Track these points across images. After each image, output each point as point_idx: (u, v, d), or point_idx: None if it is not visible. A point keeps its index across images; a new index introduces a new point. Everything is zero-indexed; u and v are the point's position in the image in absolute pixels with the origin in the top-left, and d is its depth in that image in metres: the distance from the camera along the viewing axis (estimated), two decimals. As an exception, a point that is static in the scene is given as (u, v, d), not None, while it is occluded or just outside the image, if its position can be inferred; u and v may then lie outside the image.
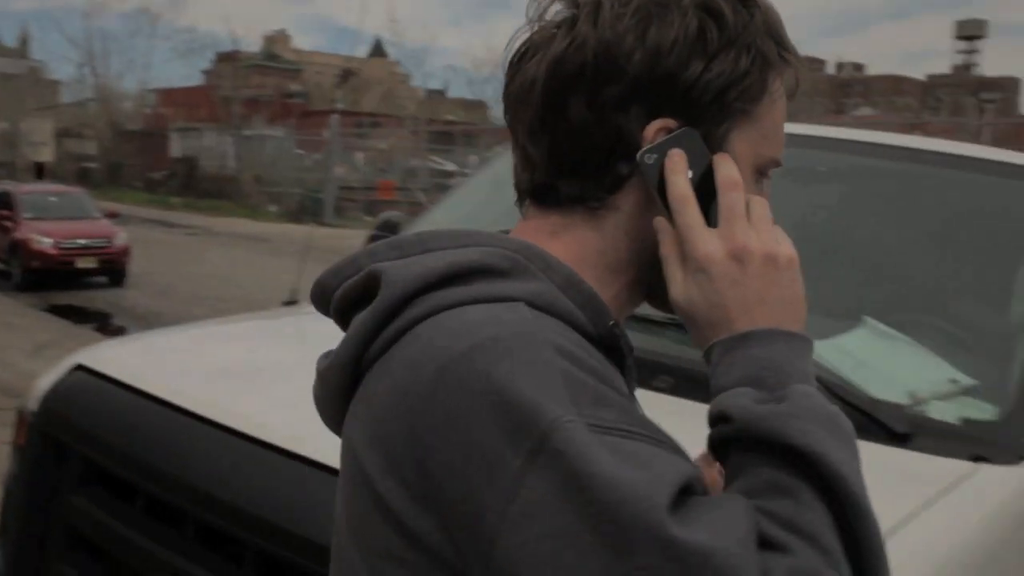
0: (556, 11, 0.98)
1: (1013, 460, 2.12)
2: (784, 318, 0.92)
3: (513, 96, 1.00)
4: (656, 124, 0.94)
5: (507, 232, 1.01)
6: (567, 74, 0.95)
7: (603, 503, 0.75)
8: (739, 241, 0.92)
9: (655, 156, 0.94)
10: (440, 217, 3.60)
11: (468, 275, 0.90)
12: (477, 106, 56.42)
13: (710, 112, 0.95)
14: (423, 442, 0.82)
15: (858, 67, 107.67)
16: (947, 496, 1.95)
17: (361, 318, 0.91)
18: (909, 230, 2.82)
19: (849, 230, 2.85)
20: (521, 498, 0.77)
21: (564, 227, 0.98)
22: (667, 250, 0.95)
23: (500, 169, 3.60)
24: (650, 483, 0.76)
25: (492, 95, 49.00)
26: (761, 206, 0.95)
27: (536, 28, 0.99)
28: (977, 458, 2.10)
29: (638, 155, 0.94)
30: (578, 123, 0.95)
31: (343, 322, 0.97)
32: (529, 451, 0.78)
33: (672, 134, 0.95)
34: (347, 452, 0.92)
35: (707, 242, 0.92)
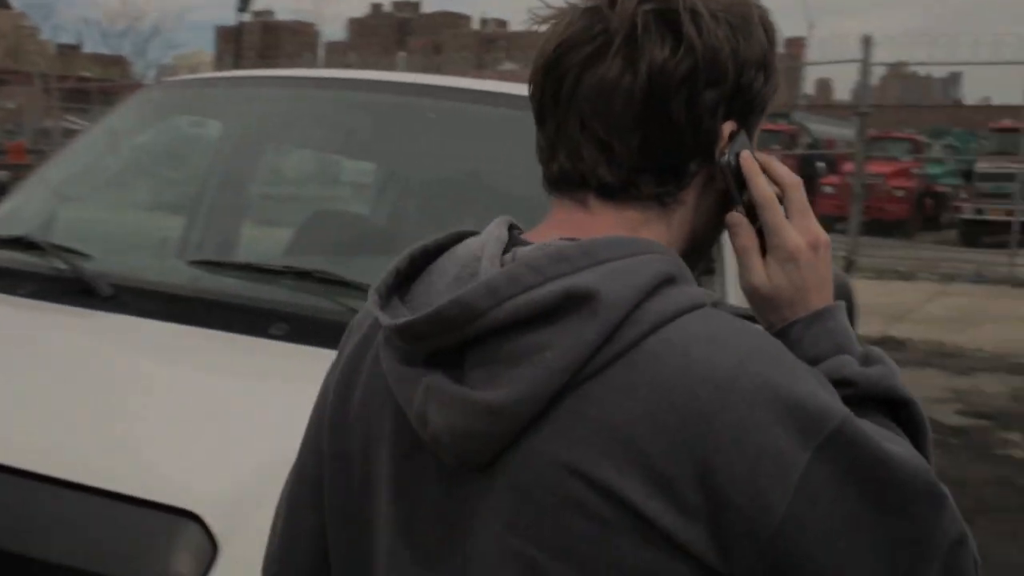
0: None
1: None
2: (830, 293, 1.08)
3: (586, 93, 1.01)
4: (727, 126, 1.05)
5: (513, 226, 1.07)
6: (677, 77, 1.00)
7: (897, 480, 0.90)
8: (813, 233, 1.07)
9: (727, 157, 1.05)
10: (53, 175, 3.41)
11: (663, 285, 0.93)
12: (114, 62, 53.07)
13: (756, 117, 1.09)
14: (704, 459, 0.86)
15: (501, 23, 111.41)
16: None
17: (572, 339, 0.89)
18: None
19: (451, 172, 3.00)
20: (808, 489, 0.87)
21: (644, 222, 1.03)
22: (747, 242, 1.07)
23: (116, 124, 3.47)
24: (912, 454, 0.94)
25: (130, 49, 46.21)
26: (803, 197, 1.10)
27: (581, 18, 1.03)
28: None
29: (720, 157, 1.05)
30: (677, 123, 1.01)
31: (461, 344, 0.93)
32: (817, 447, 0.87)
33: (737, 136, 1.06)
34: (536, 479, 0.90)
35: (795, 236, 1.06)
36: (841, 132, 29.56)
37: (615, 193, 1.03)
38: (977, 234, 21.77)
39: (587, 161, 1.02)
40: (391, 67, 18.81)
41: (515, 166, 3.05)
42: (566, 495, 0.89)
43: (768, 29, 1.06)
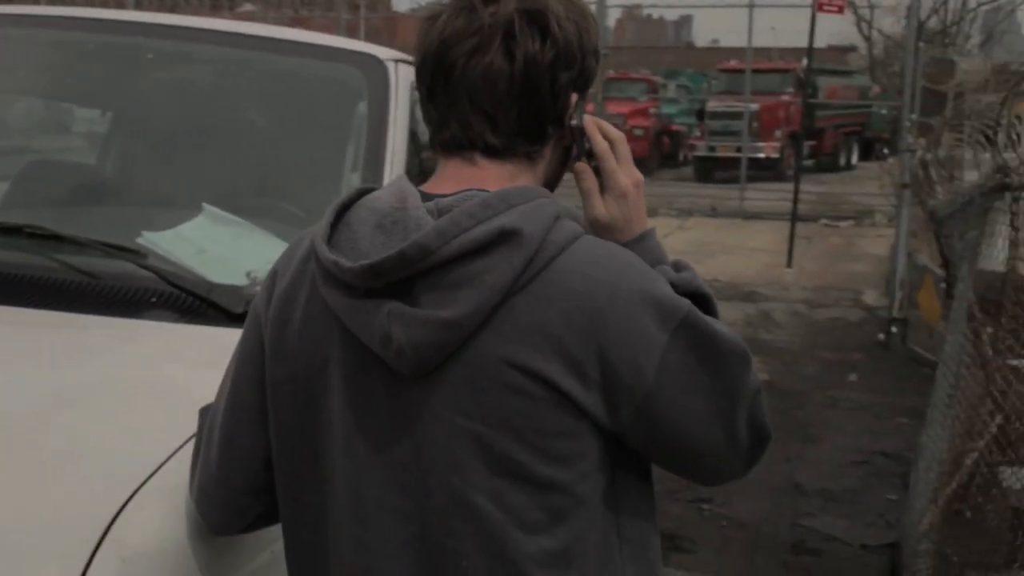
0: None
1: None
2: (645, 220, 1.39)
3: (474, 77, 1.29)
4: (573, 98, 1.36)
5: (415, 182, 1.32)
6: (545, 64, 1.30)
7: (721, 348, 1.23)
8: (636, 176, 1.39)
9: (575, 120, 1.38)
10: None
11: (556, 221, 1.23)
12: None
13: (588, 89, 1.38)
14: (603, 344, 1.19)
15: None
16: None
17: (503, 264, 1.17)
18: (240, 116, 2.86)
19: (183, 117, 2.81)
20: (666, 360, 1.21)
21: (517, 173, 1.34)
22: (591, 184, 1.38)
23: None
24: (727, 329, 1.27)
25: None
26: (627, 148, 1.40)
27: (458, 17, 1.30)
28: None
29: (569, 121, 1.38)
30: (543, 98, 1.32)
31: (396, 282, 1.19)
32: (672, 330, 1.21)
33: (579, 104, 1.38)
34: (483, 375, 1.18)
35: (624, 178, 1.37)
36: (582, 73, 30.40)
37: (498, 152, 1.33)
38: (710, 170, 23.04)
39: (475, 129, 1.31)
40: (120, 7, 17.62)
41: (244, 110, 2.93)
42: (505, 382, 1.19)
43: (595, 23, 1.39)
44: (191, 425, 1.69)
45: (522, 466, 1.19)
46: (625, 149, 1.39)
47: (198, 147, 2.77)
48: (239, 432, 1.37)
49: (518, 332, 1.18)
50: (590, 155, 1.39)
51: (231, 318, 2.18)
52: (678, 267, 1.37)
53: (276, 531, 1.47)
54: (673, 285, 1.29)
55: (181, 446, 1.65)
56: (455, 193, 1.27)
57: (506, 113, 1.30)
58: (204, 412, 1.51)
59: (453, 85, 1.30)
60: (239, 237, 2.47)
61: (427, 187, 1.33)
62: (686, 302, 1.24)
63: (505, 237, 1.18)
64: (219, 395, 1.43)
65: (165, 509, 1.54)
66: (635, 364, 1.20)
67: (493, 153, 1.32)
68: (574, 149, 1.40)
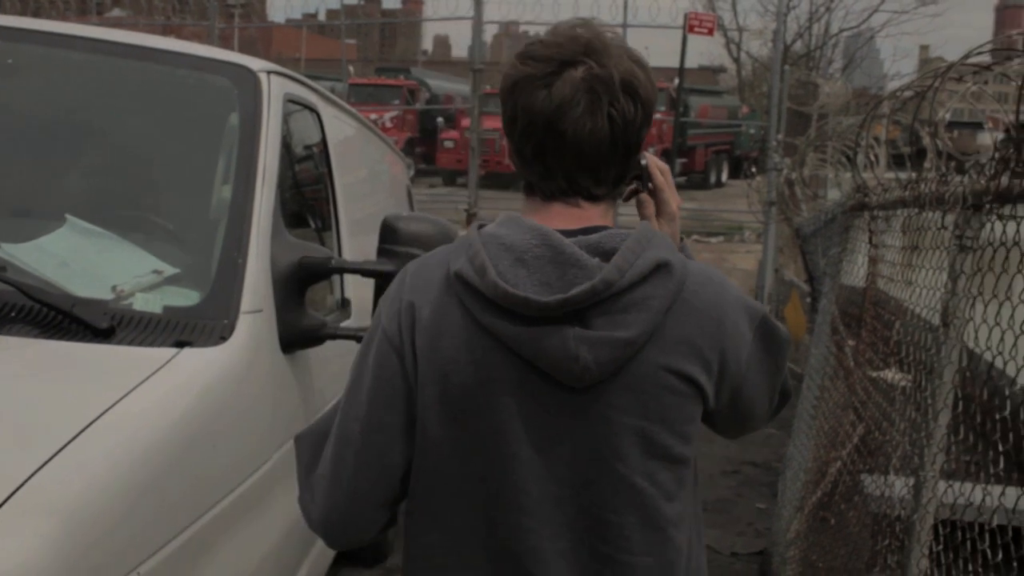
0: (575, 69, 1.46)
1: (215, 341, 2.22)
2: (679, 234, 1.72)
3: (582, 140, 1.47)
4: None
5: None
6: (636, 125, 1.50)
7: (778, 340, 1.58)
8: (678, 200, 1.71)
9: (644, 161, 1.65)
10: None
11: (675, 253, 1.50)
12: None
13: None
14: (723, 346, 1.48)
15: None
16: (149, 383, 1.98)
17: (661, 290, 1.43)
18: (108, 125, 2.78)
19: (46, 126, 2.72)
20: (750, 351, 1.52)
21: (608, 208, 1.56)
22: (651, 211, 1.68)
23: None
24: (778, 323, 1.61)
25: None
26: (671, 178, 1.70)
27: (558, 52, 1.47)
28: (180, 343, 2.17)
29: (640, 163, 1.64)
30: (633, 153, 1.54)
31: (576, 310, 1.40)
32: (755, 329, 1.53)
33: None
34: (644, 379, 1.44)
35: (674, 204, 1.68)
36: (458, 88, 30.52)
37: (599, 198, 1.53)
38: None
39: (582, 183, 1.51)
40: (-24, 9, 16.89)
41: (110, 119, 2.84)
42: (663, 384, 1.44)
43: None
44: (49, 448, 1.64)
45: (669, 449, 1.47)
46: (670, 179, 1.70)
47: (62, 157, 2.67)
48: (382, 451, 1.49)
49: (671, 343, 1.45)
50: (651, 189, 1.69)
51: (96, 334, 2.11)
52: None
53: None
54: None
55: (36, 471, 1.59)
56: (582, 230, 1.48)
57: (607, 169, 1.51)
58: (302, 439, 1.60)
59: (564, 146, 1.48)
60: (105, 250, 2.40)
61: (552, 222, 1.49)
62: (761, 306, 1.58)
63: (660, 268, 1.44)
64: (343, 420, 1.51)
65: None
66: (738, 358, 1.51)
67: (594, 199, 1.54)
68: (635, 183, 1.68)
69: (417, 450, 1.48)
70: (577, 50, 1.46)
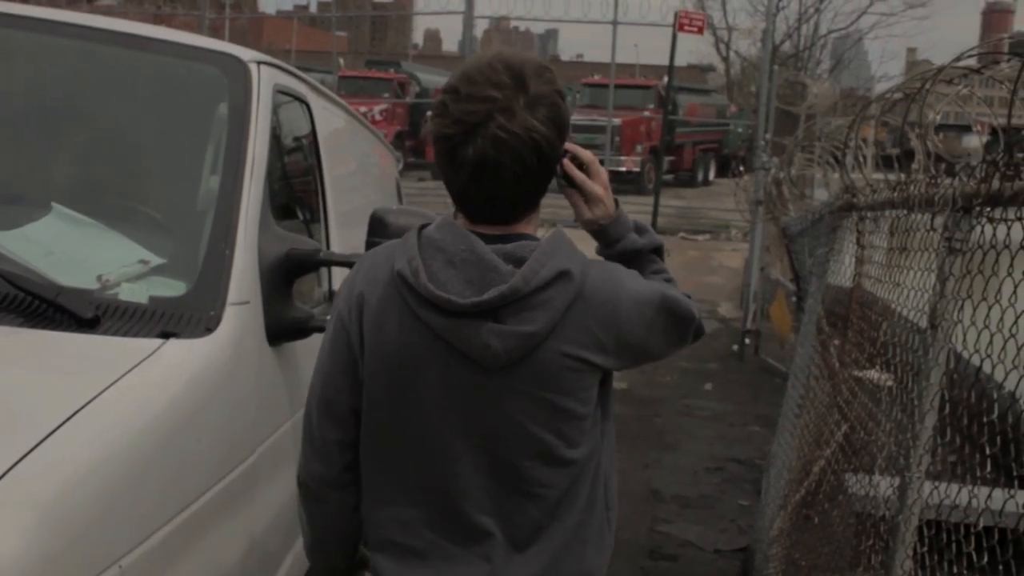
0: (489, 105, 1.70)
1: (201, 333, 2.20)
2: (612, 207, 1.96)
3: (511, 178, 1.72)
4: None
5: (525, 233, 1.82)
6: (545, 166, 1.77)
7: (682, 313, 1.89)
8: (603, 179, 1.95)
9: (560, 169, 1.89)
10: None
11: (577, 254, 1.80)
12: None
13: None
14: (620, 329, 1.79)
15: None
16: (134, 374, 1.96)
17: (561, 293, 1.73)
18: (95, 113, 2.76)
19: (33, 113, 2.69)
20: (650, 321, 1.85)
21: (531, 219, 1.85)
22: (576, 199, 1.95)
23: None
24: (666, 288, 1.92)
25: None
26: (597, 164, 1.95)
27: (478, 107, 1.69)
28: (166, 334, 2.15)
29: (559, 171, 1.88)
30: (554, 168, 1.82)
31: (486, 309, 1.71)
32: (656, 308, 1.84)
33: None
34: (546, 363, 1.75)
35: (596, 188, 1.93)
36: (449, 82, 30.41)
37: (521, 215, 1.82)
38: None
39: (511, 212, 1.80)
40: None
41: (98, 107, 2.82)
42: (561, 365, 1.76)
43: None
44: (30, 438, 1.62)
45: (571, 410, 1.80)
46: (595, 166, 1.93)
47: (50, 145, 2.65)
48: (336, 401, 1.85)
49: (569, 333, 1.75)
50: (571, 183, 1.92)
51: (80, 323, 2.10)
52: (639, 228, 2.00)
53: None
54: (644, 249, 1.98)
55: (17, 462, 1.58)
56: (502, 238, 1.77)
57: (523, 201, 1.80)
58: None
59: (483, 191, 1.74)
60: (91, 239, 2.38)
61: (478, 230, 1.78)
62: (659, 291, 1.86)
63: (562, 276, 1.73)
64: (312, 385, 1.90)
65: None
66: (638, 334, 1.82)
67: (518, 216, 1.82)
68: (554, 180, 1.87)
69: (364, 410, 1.84)
70: (487, 110, 1.68)
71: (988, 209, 1.98)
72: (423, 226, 1.80)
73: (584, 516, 1.87)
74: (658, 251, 2.02)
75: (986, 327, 1.94)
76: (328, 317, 1.89)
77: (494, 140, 1.68)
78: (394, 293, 1.76)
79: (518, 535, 1.83)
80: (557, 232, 1.79)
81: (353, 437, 1.87)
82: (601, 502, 1.91)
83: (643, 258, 1.98)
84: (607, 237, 1.96)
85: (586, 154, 1.91)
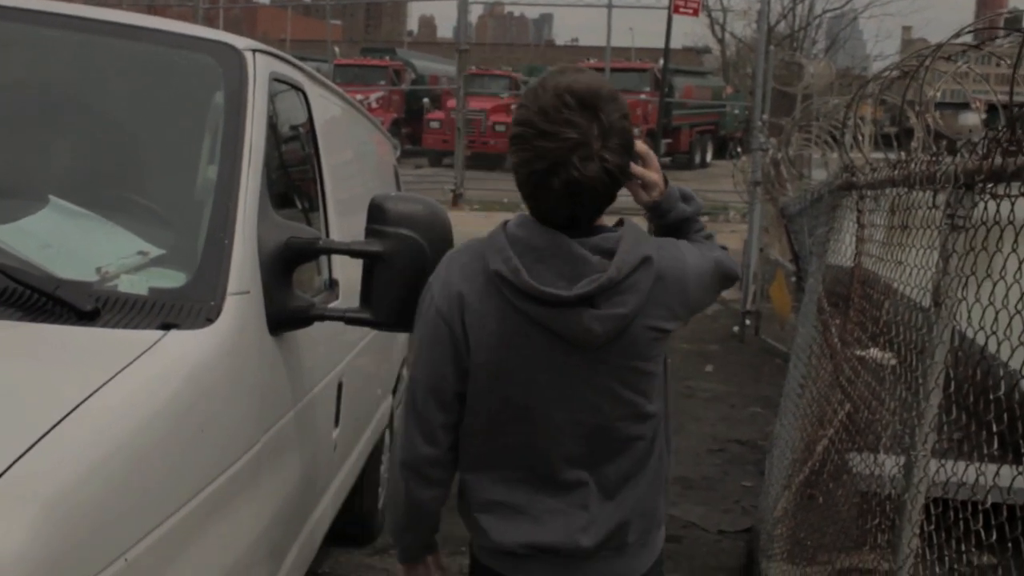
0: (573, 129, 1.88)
1: (202, 323, 2.19)
2: (663, 179, 2.18)
3: (583, 183, 1.89)
4: None
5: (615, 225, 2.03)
6: (617, 177, 1.95)
7: (728, 271, 2.23)
8: (656, 166, 2.17)
9: None
10: None
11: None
12: None
13: None
14: (687, 298, 2.05)
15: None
16: (135, 366, 1.95)
17: (645, 276, 1.95)
18: (91, 104, 2.74)
19: (30, 104, 2.68)
20: (711, 282, 2.16)
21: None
22: (635, 188, 2.16)
23: None
24: (713, 248, 2.23)
25: None
26: (652, 155, 2.18)
27: (559, 145, 1.88)
28: (166, 326, 2.14)
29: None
30: (620, 185, 1.99)
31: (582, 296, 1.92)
32: (711, 272, 2.15)
33: None
34: (633, 336, 1.98)
35: (653, 175, 2.15)
36: (444, 69, 30.36)
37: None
38: (570, 166, 23.24)
39: (589, 221, 1.99)
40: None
41: (94, 97, 2.80)
42: (646, 337, 1.99)
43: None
44: (32, 433, 1.61)
45: (651, 373, 2.05)
46: (650, 155, 2.15)
47: (45, 137, 2.63)
48: (441, 387, 2.03)
49: (652, 309, 1.98)
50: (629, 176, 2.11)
51: (80, 316, 2.08)
52: (684, 196, 2.21)
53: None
54: (691, 216, 2.21)
55: (20, 456, 1.57)
56: (583, 233, 1.96)
57: (610, 203, 1.98)
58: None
59: (580, 208, 1.94)
60: (89, 231, 2.36)
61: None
62: (712, 259, 2.15)
63: (645, 261, 1.95)
64: (414, 377, 2.07)
65: None
66: (699, 297, 2.11)
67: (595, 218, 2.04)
68: None
69: (470, 394, 2.03)
70: (567, 148, 1.87)
71: (991, 185, 1.97)
72: (504, 224, 2.01)
73: (659, 463, 2.15)
74: (698, 213, 2.30)
75: (991, 304, 1.93)
76: (421, 313, 2.05)
77: (573, 175, 1.88)
78: (493, 290, 1.96)
79: (608, 484, 2.08)
80: (631, 223, 2.03)
81: (456, 420, 2.07)
82: (666, 447, 2.17)
83: (689, 224, 2.22)
84: (660, 211, 2.19)
85: (642, 147, 2.11)
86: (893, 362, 3.04)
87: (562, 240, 1.93)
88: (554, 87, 1.90)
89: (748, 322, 10.26)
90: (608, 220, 2.03)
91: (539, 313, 1.93)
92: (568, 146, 1.87)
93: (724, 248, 2.25)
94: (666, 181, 2.18)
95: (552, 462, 2.05)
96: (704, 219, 2.31)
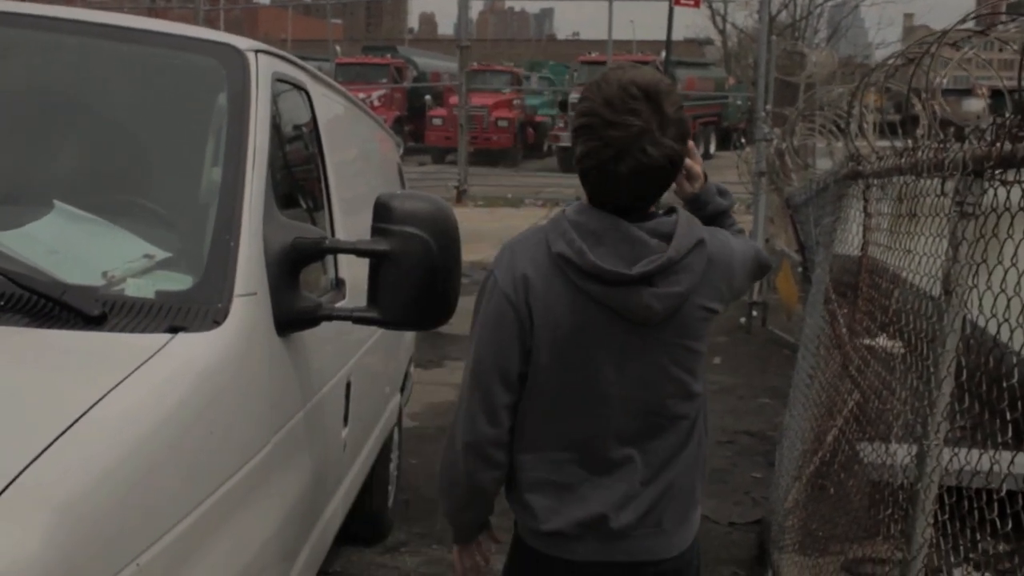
0: (637, 116, 2.00)
1: (209, 326, 2.19)
2: (704, 180, 2.39)
3: (648, 167, 2.02)
4: None
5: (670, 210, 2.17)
6: (677, 163, 2.08)
7: (764, 262, 2.44)
8: (699, 160, 2.35)
9: None
10: None
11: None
12: None
13: None
14: (734, 283, 2.22)
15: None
16: (143, 370, 1.94)
17: (699, 258, 2.09)
18: (94, 108, 2.74)
19: (34, 109, 2.67)
20: (750, 269, 2.33)
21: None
22: (682, 180, 2.33)
23: None
24: (748, 240, 2.41)
25: None
26: (695, 150, 2.33)
27: (625, 132, 2.00)
28: (174, 329, 2.13)
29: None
30: (677, 173, 2.14)
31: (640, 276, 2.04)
32: (752, 259, 2.32)
33: None
34: (687, 315, 2.11)
35: (696, 167, 2.34)
36: (446, 65, 30.34)
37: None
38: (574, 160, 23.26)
39: (649, 205, 2.12)
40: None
41: (99, 102, 2.80)
42: (699, 316, 2.12)
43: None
44: (42, 439, 1.61)
45: (699, 352, 2.18)
46: (693, 150, 2.27)
47: (49, 142, 2.62)
48: (507, 368, 2.12)
49: (704, 290, 2.11)
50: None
51: (87, 321, 2.08)
52: (721, 191, 2.39)
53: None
54: (727, 209, 2.39)
55: (31, 462, 1.56)
56: (639, 218, 2.08)
57: (665, 188, 2.11)
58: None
59: (644, 192, 2.07)
60: (94, 235, 2.36)
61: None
62: (752, 247, 2.33)
63: (699, 244, 2.08)
64: (478, 356, 2.14)
65: None
66: (742, 281, 2.28)
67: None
68: None
69: (531, 374, 2.12)
70: (633, 135, 1.98)
71: (1000, 172, 1.96)
72: (563, 211, 2.14)
73: (699, 447, 2.25)
74: (732, 207, 2.47)
75: (1002, 291, 1.92)
76: (484, 298, 2.13)
77: (641, 160, 1.99)
78: (556, 272, 2.07)
79: (654, 461, 2.17)
80: (684, 211, 2.17)
81: (517, 400, 2.15)
82: (704, 430, 2.28)
83: (724, 216, 2.38)
84: (699, 203, 2.34)
85: (691, 144, 2.24)
86: (901, 350, 3.03)
87: (621, 224, 2.04)
88: (618, 80, 2.02)
89: (755, 313, 10.24)
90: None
91: (600, 292, 2.04)
92: (634, 133, 1.98)
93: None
94: (705, 176, 2.36)
95: (603, 439, 2.14)
96: (733, 199, 2.44)
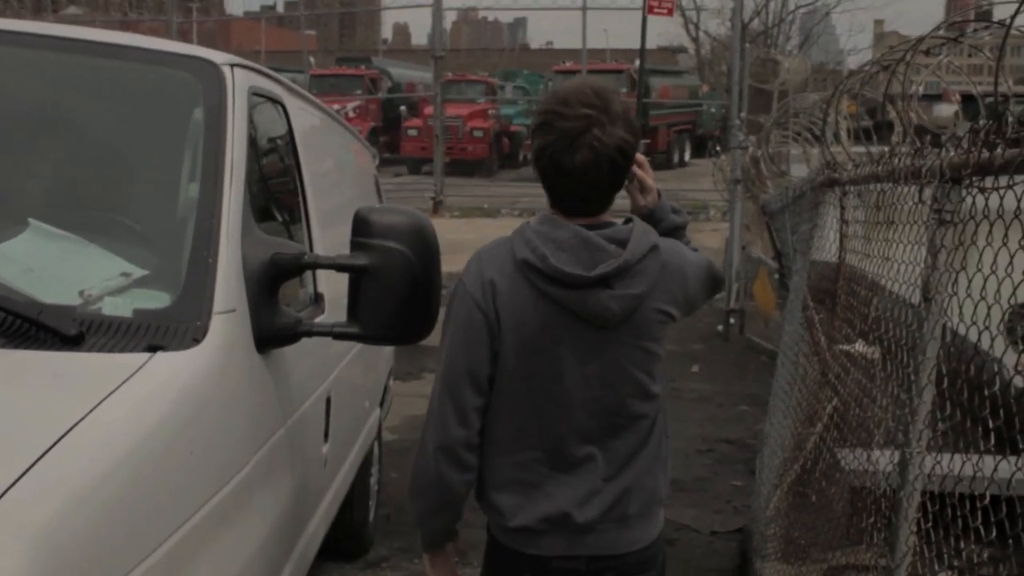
0: (585, 112, 2.15)
1: (188, 344, 2.17)
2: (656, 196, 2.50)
3: (601, 155, 2.15)
4: None
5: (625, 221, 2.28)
6: (628, 154, 2.21)
7: (716, 274, 2.48)
8: (651, 174, 2.48)
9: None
10: None
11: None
12: None
13: None
14: (687, 289, 2.31)
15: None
16: (122, 391, 1.92)
17: (653, 262, 2.21)
18: (69, 124, 2.71)
19: (6, 127, 2.64)
20: (703, 281, 2.41)
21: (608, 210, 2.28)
22: (634, 191, 2.46)
23: None
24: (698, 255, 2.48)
25: None
26: (646, 162, 2.48)
27: (578, 123, 2.15)
28: (152, 347, 2.11)
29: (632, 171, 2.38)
30: (627, 171, 2.29)
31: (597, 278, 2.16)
32: (706, 270, 2.41)
33: None
34: (643, 317, 2.23)
35: (649, 181, 2.46)
36: (420, 76, 30.32)
37: (608, 207, 2.27)
38: (549, 170, 23.23)
39: (600, 203, 2.24)
40: (-76, 9, 16.56)
41: (72, 118, 2.77)
42: (654, 319, 2.24)
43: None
44: (20, 463, 1.59)
45: (656, 354, 2.28)
46: (646, 164, 2.44)
47: (23, 158, 2.59)
48: (477, 370, 2.22)
49: (659, 293, 2.23)
50: (631, 179, 2.40)
51: (64, 341, 2.05)
52: (675, 210, 2.51)
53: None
54: (681, 225, 2.49)
55: (10, 486, 1.54)
56: (598, 226, 2.21)
57: (617, 189, 2.24)
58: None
59: (580, 192, 2.19)
60: (70, 254, 2.33)
61: (577, 223, 2.21)
62: (706, 259, 2.42)
63: (653, 249, 2.22)
64: (449, 359, 2.23)
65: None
66: (696, 290, 2.36)
67: (606, 208, 2.28)
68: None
69: (498, 376, 2.22)
70: (585, 125, 2.12)
71: (978, 179, 1.97)
72: (527, 222, 2.26)
73: (659, 445, 2.35)
74: (684, 229, 2.57)
75: (982, 299, 1.93)
76: (454, 304, 2.23)
77: (592, 148, 2.13)
78: (520, 278, 2.19)
79: (615, 459, 2.28)
80: (640, 221, 2.32)
81: (486, 402, 2.25)
82: (664, 430, 2.38)
83: (678, 232, 2.47)
84: (654, 219, 2.44)
85: (640, 156, 2.36)
86: (877, 355, 3.04)
87: (581, 232, 2.17)
88: (571, 85, 2.22)
89: (732, 320, 10.28)
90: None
91: (562, 295, 2.16)
92: (586, 123, 2.12)
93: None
94: (659, 193, 2.48)
95: (567, 438, 2.25)
96: (687, 217, 2.44)
